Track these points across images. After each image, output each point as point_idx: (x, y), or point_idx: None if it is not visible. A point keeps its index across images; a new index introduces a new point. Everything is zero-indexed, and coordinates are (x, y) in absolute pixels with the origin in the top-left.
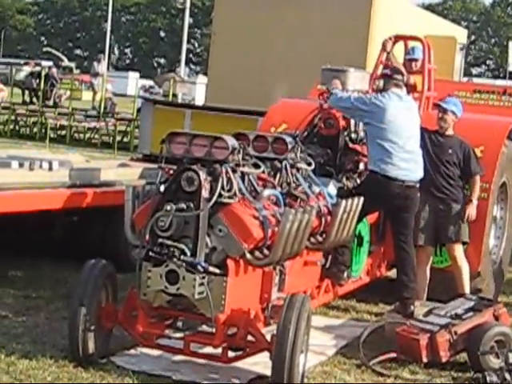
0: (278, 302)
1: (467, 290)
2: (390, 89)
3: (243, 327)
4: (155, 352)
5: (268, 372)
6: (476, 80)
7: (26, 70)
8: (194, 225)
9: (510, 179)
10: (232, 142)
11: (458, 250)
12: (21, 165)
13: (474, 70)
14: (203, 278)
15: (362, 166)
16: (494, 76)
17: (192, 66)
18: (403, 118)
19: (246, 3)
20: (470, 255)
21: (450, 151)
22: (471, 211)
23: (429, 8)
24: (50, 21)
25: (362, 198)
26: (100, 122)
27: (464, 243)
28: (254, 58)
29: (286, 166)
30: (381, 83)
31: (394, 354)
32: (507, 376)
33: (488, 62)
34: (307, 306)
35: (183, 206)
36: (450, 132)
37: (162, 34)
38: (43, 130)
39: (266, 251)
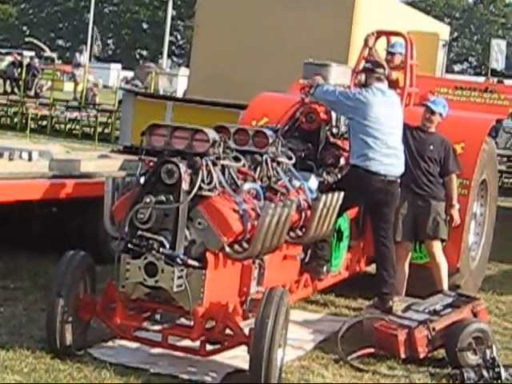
0: (256, 295)
1: (446, 286)
2: (373, 83)
3: (221, 321)
4: (133, 344)
5: (246, 366)
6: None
7: (8, 59)
8: (174, 217)
9: (490, 176)
10: (213, 134)
11: (437, 246)
12: (0, 155)
13: (456, 67)
14: (182, 270)
15: (342, 161)
16: (475, 73)
17: (174, 59)
18: (386, 113)
19: None
20: (449, 251)
21: (432, 148)
22: (456, 216)
23: (412, 4)
24: (33, 11)
25: (342, 193)
26: (81, 112)
27: (442, 240)
28: (236, 52)
29: (266, 159)
30: (362, 77)
31: (372, 350)
32: (485, 373)
33: (470, 59)
34: (286, 300)
35: (163, 198)
36: (431, 129)
37: (145, 25)
38: (24, 121)
39: (245, 245)
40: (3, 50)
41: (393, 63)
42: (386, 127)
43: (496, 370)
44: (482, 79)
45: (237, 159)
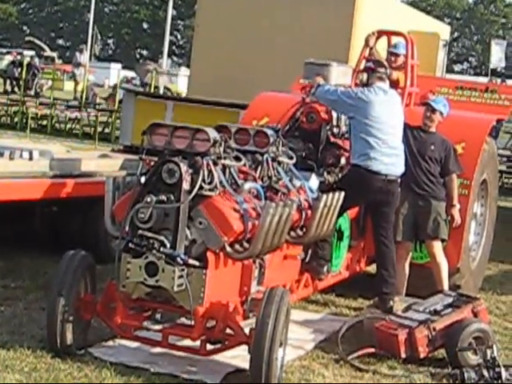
0: (257, 295)
1: (446, 286)
2: (375, 83)
3: (222, 320)
4: (133, 344)
5: (246, 365)
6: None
7: (8, 59)
8: (174, 217)
9: (491, 176)
10: (214, 134)
11: (437, 246)
12: (1, 154)
13: (457, 67)
14: (182, 270)
15: (343, 161)
16: (476, 73)
17: (175, 58)
18: (388, 113)
19: None
20: (449, 251)
21: (432, 147)
22: (456, 216)
23: (412, 4)
24: (33, 10)
25: (342, 193)
26: (81, 112)
27: (443, 240)
28: (236, 51)
29: (267, 159)
30: (364, 77)
31: (372, 349)
32: (485, 373)
33: (470, 59)
34: (286, 299)
35: (163, 197)
36: (432, 129)
37: (145, 25)
38: (24, 120)
39: (245, 244)
40: (3, 50)
41: (396, 64)
42: (388, 127)
43: (496, 369)
44: (482, 79)
45: (237, 159)
